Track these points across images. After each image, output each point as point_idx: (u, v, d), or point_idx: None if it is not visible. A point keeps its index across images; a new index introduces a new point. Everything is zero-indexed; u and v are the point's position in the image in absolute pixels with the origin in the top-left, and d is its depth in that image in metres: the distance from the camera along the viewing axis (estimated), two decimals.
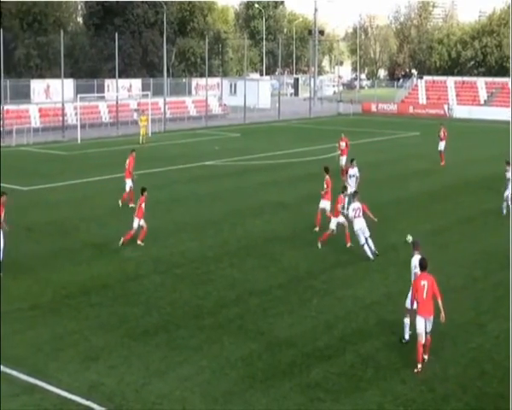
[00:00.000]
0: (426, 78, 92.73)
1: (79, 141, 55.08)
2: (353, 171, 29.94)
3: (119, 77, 70.36)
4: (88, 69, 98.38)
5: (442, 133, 43.18)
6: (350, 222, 22.91)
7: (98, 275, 21.08)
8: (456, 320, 17.64)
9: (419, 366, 14.83)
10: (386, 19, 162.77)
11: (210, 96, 77.33)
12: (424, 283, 14.93)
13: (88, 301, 18.84)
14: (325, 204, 26.07)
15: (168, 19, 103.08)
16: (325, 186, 26.04)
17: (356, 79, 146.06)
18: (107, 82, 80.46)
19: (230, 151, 48.72)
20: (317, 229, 25.85)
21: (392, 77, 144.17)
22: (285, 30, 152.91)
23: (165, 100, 68.55)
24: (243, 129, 65.87)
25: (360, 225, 22.27)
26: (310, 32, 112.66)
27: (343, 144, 37.78)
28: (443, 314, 14.86)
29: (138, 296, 19.26)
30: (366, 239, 22.32)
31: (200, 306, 18.57)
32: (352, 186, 28.71)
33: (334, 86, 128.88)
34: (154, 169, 40.63)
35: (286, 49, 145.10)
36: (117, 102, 65.10)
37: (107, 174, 38.99)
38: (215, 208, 30.57)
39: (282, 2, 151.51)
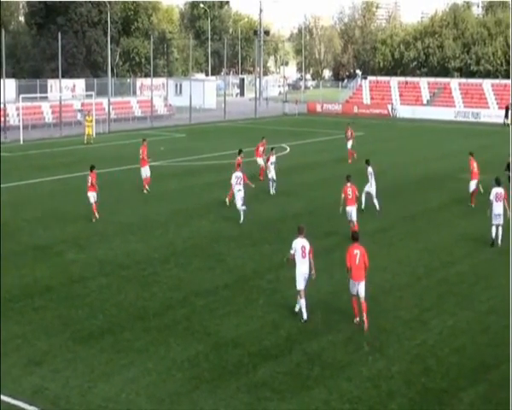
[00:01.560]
0: (370, 78, 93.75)
1: (22, 142, 54.23)
2: (273, 158, 34.18)
3: (63, 77, 69.51)
4: (30, 69, 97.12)
5: (349, 133, 45.17)
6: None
7: (42, 278, 20.81)
8: (401, 317, 17.92)
9: (357, 319, 17.34)
10: (331, 19, 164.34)
11: (155, 96, 76.92)
12: (357, 252, 17.28)
13: (31, 305, 18.58)
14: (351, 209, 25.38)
15: (112, 18, 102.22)
16: None
17: (301, 79, 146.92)
18: (50, 82, 79.54)
19: (176, 152, 48.55)
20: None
21: (337, 77, 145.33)
22: (230, 30, 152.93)
23: (109, 100, 67.86)
24: (189, 129, 65.70)
25: (241, 195, 27.63)
26: (255, 33, 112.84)
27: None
28: (364, 281, 17.17)
29: (83, 299, 19.07)
30: (243, 206, 27.44)
31: (146, 307, 18.47)
32: (271, 172, 33.63)
33: (279, 87, 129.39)
34: (98, 170, 40.09)
35: (231, 49, 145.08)
36: (60, 103, 64.29)
37: (50, 175, 38.50)
38: (161, 209, 30.43)
39: (228, 3, 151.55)
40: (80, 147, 52.10)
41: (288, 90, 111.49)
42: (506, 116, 70.90)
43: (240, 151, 33.43)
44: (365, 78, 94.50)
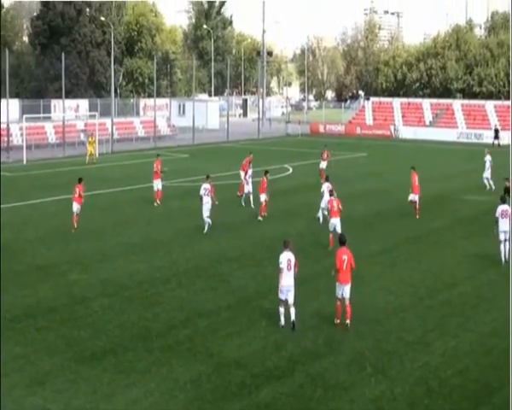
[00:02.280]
0: (372, 99, 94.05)
1: (25, 162, 54.45)
2: (250, 171, 36.11)
3: (66, 97, 69.82)
4: (34, 89, 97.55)
5: (325, 155, 45.68)
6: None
7: (44, 298, 20.84)
8: (404, 339, 17.91)
9: (338, 320, 18.47)
10: (334, 41, 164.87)
11: (158, 116, 77.14)
12: (345, 257, 18.42)
13: (34, 325, 18.60)
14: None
15: (115, 39, 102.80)
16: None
17: (304, 100, 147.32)
18: (54, 102, 79.91)
19: (179, 172, 48.67)
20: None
21: (340, 98, 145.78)
22: (234, 51, 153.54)
23: (112, 120, 68.19)
24: (192, 150, 65.89)
25: (208, 206, 29.50)
26: (258, 54, 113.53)
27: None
28: (350, 284, 18.33)
29: (85, 319, 19.09)
30: (208, 218, 29.41)
31: (149, 328, 18.49)
32: (249, 184, 35.48)
33: (282, 107, 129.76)
34: (101, 190, 40.38)
35: (234, 70, 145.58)
36: (63, 123, 64.50)
37: (53, 196, 38.61)
38: (164, 229, 30.50)
39: (231, 23, 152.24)
40: (83, 167, 52.24)
41: (290, 111, 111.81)
42: (496, 137, 71.75)
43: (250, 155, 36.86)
44: (368, 99, 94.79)
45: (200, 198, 29.91)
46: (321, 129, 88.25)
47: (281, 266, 18.35)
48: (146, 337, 17.81)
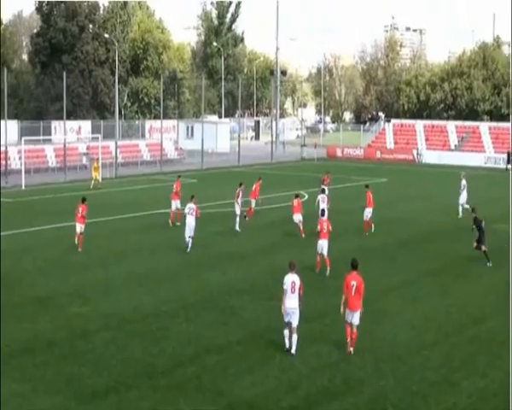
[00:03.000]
0: (394, 121, 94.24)
1: (24, 187, 54.77)
2: (241, 194, 37.79)
3: (67, 118, 70.31)
4: (33, 110, 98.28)
5: (326, 181, 46.03)
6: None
7: (43, 332, 20.88)
8: (428, 378, 17.81)
9: (350, 349, 19.01)
10: (352, 59, 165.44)
11: (165, 139, 77.60)
12: (354, 283, 19.06)
13: (32, 361, 18.63)
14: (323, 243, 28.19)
15: (120, 57, 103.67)
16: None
17: (320, 121, 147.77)
18: (55, 124, 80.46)
19: (187, 198, 48.59)
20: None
21: (359, 120, 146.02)
22: (245, 70, 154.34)
23: (116, 143, 68.61)
24: (200, 175, 66.12)
25: (191, 226, 31.51)
26: (271, 72, 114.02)
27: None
28: (362, 310, 19.08)
29: (86, 355, 19.11)
30: (190, 237, 31.47)
31: (154, 364, 18.48)
32: (239, 206, 37.28)
33: (297, 130, 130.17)
34: (104, 217, 40.54)
35: (246, 89, 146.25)
36: (64, 146, 64.95)
37: (53, 223, 38.78)
38: (170, 259, 30.57)
39: (242, 41, 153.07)
40: (86, 192, 52.49)
41: (306, 134, 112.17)
42: (508, 162, 72.23)
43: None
44: (389, 121, 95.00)
45: (184, 217, 32.53)
46: (338, 153, 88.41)
47: (284, 287, 19.13)
48: (151, 374, 17.80)
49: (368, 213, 36.63)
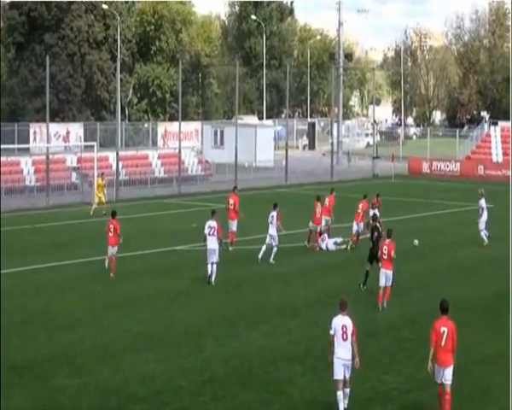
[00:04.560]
0: (502, 124, 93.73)
1: None
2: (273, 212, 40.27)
3: (51, 120, 71.10)
4: (6, 108, 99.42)
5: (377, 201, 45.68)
6: None
7: None
8: None
9: None
10: (444, 37, 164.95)
11: (185, 148, 77.76)
12: (444, 329, 19.83)
13: None
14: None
15: (123, 36, 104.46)
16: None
17: (400, 124, 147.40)
18: (34, 127, 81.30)
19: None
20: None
21: (453, 122, 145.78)
22: (295, 53, 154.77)
23: (118, 154, 68.96)
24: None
25: (211, 245, 34.55)
26: (332, 57, 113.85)
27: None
28: (453, 365, 19.82)
29: None
30: (212, 263, 34.52)
31: None
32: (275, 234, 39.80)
33: (367, 136, 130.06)
34: (98, 256, 40.91)
35: (297, 80, 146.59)
36: (47, 158, 65.39)
37: (33, 263, 39.20)
38: (191, 314, 30.69)
39: (291, 13, 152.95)
40: (76, 222, 52.96)
41: (379, 142, 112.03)
42: None
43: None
44: (495, 123, 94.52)
45: (204, 238, 35.12)
46: (424, 168, 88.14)
47: (331, 332, 20.49)
48: None
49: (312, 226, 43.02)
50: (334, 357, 20.41)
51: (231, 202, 44.74)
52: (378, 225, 35.57)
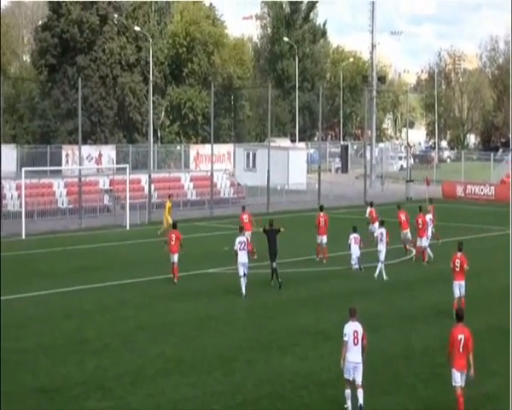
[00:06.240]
0: None
1: (24, 236, 55.57)
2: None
3: (84, 142, 71.41)
4: (38, 130, 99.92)
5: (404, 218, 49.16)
6: None
7: None
8: None
9: None
10: (478, 60, 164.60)
11: (217, 171, 78.00)
12: (461, 337, 21.35)
13: None
14: None
15: (155, 58, 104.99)
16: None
17: (433, 147, 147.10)
18: (66, 149, 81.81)
19: None
20: None
21: (488, 146, 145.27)
22: (328, 75, 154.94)
23: (150, 176, 69.25)
24: (266, 220, 66.17)
25: (243, 259, 36.97)
26: (365, 79, 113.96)
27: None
28: (472, 371, 21.31)
29: None
30: (244, 275, 37.03)
31: None
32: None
33: (401, 159, 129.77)
34: (130, 279, 40.99)
35: (330, 103, 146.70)
36: (80, 180, 65.77)
37: (63, 286, 39.32)
38: (223, 338, 30.64)
39: (324, 35, 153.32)
40: (108, 244, 53.07)
41: (413, 165, 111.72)
42: None
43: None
44: None
45: (235, 254, 37.41)
46: (459, 191, 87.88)
47: (345, 338, 22.03)
48: None
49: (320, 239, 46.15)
50: (347, 359, 22.04)
51: (244, 217, 49.63)
52: None
